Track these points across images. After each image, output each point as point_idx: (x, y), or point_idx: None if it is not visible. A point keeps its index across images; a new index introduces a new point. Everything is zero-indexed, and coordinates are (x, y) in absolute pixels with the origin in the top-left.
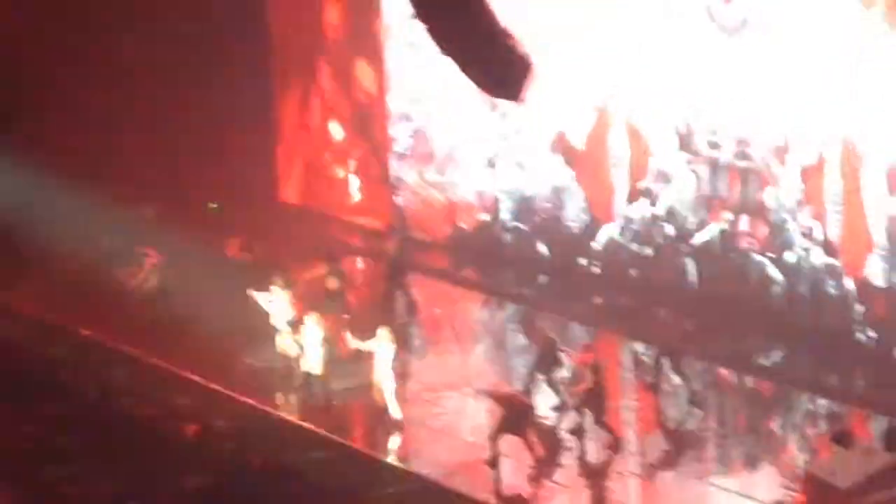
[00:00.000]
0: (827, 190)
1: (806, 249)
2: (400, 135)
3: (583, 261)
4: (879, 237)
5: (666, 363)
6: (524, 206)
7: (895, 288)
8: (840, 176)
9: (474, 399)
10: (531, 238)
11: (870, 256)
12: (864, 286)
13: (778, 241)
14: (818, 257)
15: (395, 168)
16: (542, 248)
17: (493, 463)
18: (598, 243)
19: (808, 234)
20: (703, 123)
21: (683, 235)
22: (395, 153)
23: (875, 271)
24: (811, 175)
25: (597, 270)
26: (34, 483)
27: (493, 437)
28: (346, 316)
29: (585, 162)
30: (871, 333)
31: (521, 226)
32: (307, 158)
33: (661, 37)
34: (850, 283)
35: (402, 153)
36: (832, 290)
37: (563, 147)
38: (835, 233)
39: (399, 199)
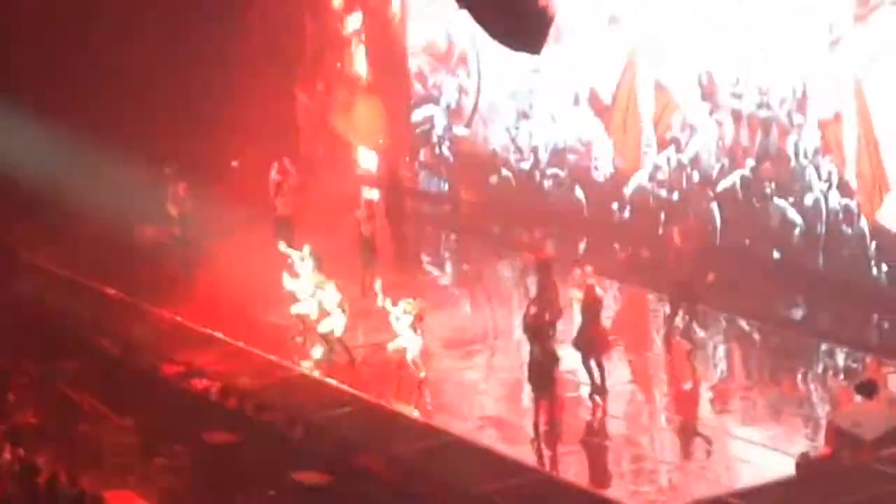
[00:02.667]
0: (845, 137)
1: (824, 193)
2: (446, 89)
3: (614, 206)
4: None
5: (689, 315)
6: (557, 158)
7: None
8: (857, 124)
9: (503, 353)
10: (570, 184)
11: (885, 199)
12: (878, 226)
13: (797, 185)
14: (835, 200)
15: (440, 121)
16: (580, 194)
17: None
18: (628, 189)
19: (826, 179)
20: (726, 75)
21: (708, 181)
22: (440, 107)
23: (889, 213)
24: (830, 123)
25: (626, 215)
26: (63, 440)
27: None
28: (371, 270)
29: (613, 114)
30: (885, 267)
31: (560, 172)
32: (328, 115)
33: None
34: (864, 224)
35: (447, 107)
36: (848, 230)
37: (592, 101)
38: (852, 177)
39: (445, 152)
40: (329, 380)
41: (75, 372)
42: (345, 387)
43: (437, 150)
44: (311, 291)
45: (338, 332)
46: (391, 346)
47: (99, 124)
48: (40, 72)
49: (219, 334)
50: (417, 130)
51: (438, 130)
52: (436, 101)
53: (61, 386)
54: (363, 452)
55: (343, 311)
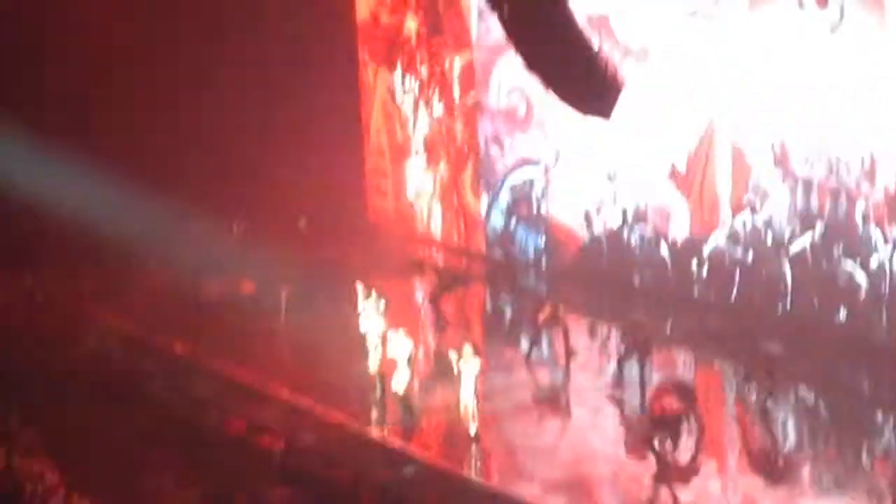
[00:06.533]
0: None
1: (889, 257)
2: (534, 151)
3: (694, 263)
4: None
5: (758, 387)
6: (641, 218)
7: None
8: None
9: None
10: (654, 243)
11: None
12: None
13: (864, 249)
14: None
15: (539, 182)
16: (664, 251)
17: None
18: (707, 247)
19: (892, 243)
20: (799, 144)
21: (781, 243)
22: (538, 168)
23: None
24: None
25: (704, 273)
26: (129, 493)
27: None
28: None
29: (691, 180)
30: None
31: (646, 232)
32: (398, 179)
33: (759, 63)
34: None
35: (546, 169)
36: None
37: (672, 172)
38: None
39: (543, 210)
40: (393, 440)
41: (141, 426)
42: (409, 448)
43: (534, 209)
44: (377, 342)
45: (405, 388)
46: (464, 405)
47: (166, 178)
48: (110, 122)
49: (283, 391)
50: (515, 190)
51: (537, 192)
52: (534, 163)
53: (127, 440)
54: None
55: (410, 365)
